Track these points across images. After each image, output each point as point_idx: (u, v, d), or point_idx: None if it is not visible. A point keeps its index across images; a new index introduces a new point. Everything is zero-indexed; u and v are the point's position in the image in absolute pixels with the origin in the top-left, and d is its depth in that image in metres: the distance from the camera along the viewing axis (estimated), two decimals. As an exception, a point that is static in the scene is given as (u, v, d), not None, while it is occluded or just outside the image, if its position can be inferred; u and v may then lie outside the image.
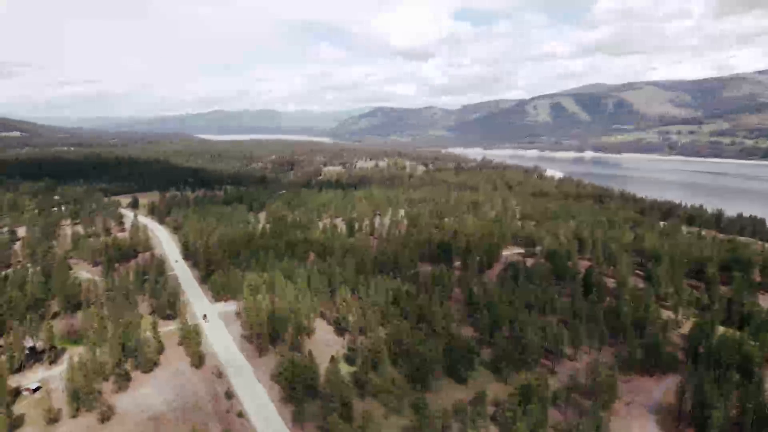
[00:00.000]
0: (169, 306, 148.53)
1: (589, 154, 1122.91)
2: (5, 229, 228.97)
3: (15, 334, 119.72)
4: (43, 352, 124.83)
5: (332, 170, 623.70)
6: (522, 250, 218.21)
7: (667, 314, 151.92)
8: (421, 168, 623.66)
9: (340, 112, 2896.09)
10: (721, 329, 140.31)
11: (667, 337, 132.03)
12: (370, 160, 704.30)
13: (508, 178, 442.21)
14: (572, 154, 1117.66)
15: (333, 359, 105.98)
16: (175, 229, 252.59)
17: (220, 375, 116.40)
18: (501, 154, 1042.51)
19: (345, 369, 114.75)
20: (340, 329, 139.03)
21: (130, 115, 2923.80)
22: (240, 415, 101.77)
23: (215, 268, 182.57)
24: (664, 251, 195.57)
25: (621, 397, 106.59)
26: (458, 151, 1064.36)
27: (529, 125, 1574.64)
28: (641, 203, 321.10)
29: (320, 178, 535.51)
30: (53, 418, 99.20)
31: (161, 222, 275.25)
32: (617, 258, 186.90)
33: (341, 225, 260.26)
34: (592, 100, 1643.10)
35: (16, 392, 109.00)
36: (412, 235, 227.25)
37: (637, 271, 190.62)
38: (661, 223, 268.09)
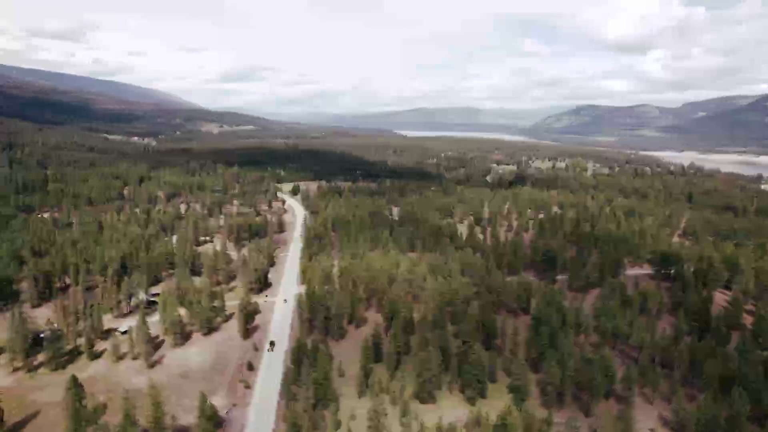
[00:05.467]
0: (258, 281, 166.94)
1: None
2: (182, 205, 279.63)
3: (124, 287, 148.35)
4: (147, 303, 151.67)
5: (505, 168, 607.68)
6: (651, 271, 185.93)
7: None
8: (604, 171, 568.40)
9: (541, 109, 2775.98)
10: None
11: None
12: (549, 160, 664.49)
13: (697, 187, 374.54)
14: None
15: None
16: (313, 215, 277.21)
17: (256, 349, 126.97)
18: (722, 159, 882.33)
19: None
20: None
21: (343, 112, 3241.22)
22: (247, 386, 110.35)
23: (317, 252, 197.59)
24: None
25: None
26: (665, 154, 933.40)
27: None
28: None
29: (488, 176, 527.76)
30: (119, 357, 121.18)
31: (307, 208, 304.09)
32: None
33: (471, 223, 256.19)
34: None
35: (112, 332, 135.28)
36: (528, 241, 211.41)
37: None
38: None
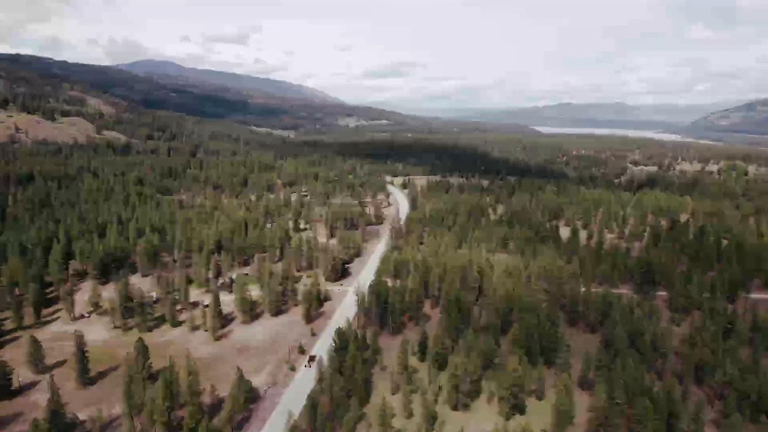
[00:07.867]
0: (334, 270, 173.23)
1: None
2: (293, 194, 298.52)
3: (213, 265, 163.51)
4: (230, 282, 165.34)
5: (643, 170, 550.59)
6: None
7: None
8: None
9: (708, 105, 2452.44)
10: None
11: None
12: (699, 162, 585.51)
13: None
14: None
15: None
16: (414, 209, 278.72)
17: (314, 334, 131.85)
18: None
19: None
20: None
21: (486, 107, 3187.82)
22: (292, 368, 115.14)
23: (403, 245, 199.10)
24: None
25: None
26: None
27: None
28: None
29: (621, 177, 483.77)
30: (194, 327, 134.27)
31: (411, 202, 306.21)
32: None
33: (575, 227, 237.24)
34: None
35: (195, 305, 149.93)
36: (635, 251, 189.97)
37: None
38: None
